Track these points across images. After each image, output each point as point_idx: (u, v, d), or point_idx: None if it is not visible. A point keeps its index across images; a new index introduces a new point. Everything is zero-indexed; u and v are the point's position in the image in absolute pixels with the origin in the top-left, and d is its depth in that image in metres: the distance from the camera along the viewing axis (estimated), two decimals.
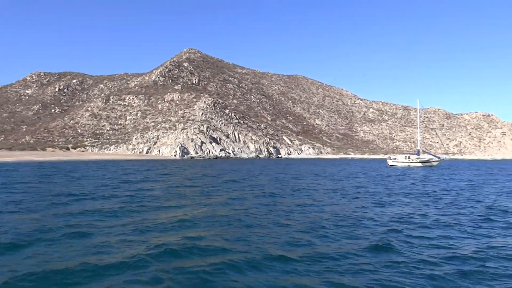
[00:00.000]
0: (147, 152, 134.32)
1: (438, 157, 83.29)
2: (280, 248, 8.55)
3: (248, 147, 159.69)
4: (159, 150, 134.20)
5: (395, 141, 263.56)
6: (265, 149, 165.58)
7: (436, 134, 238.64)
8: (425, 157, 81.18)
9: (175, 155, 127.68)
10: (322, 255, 8.10)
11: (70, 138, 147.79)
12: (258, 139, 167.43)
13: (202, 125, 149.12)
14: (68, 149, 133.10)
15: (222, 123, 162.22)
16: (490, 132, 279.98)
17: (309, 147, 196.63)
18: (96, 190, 20.70)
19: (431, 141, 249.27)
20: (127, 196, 18.20)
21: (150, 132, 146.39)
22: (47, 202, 15.63)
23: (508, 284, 6.75)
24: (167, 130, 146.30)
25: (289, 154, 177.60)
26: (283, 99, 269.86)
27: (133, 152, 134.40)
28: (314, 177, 36.32)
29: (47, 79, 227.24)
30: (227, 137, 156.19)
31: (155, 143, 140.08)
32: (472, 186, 27.60)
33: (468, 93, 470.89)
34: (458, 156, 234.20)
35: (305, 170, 52.74)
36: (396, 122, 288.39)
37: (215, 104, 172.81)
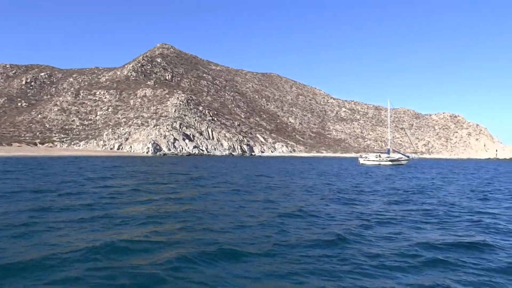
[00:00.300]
0: (118, 149, 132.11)
1: (407, 156, 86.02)
2: (239, 243, 8.74)
3: (221, 144, 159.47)
4: (130, 147, 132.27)
5: (366, 140, 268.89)
6: (239, 147, 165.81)
7: (406, 133, 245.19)
8: (395, 156, 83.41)
9: (147, 152, 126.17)
10: (280, 250, 8.33)
11: (38, 133, 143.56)
12: (231, 137, 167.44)
13: (175, 121, 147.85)
14: (35, 144, 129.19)
15: (195, 120, 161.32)
16: (457, 132, 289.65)
17: (282, 145, 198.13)
18: (62, 187, 20.40)
19: (400, 141, 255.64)
20: (93, 192, 18.05)
21: (121, 128, 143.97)
22: (10, 198, 15.33)
23: (460, 276, 7.15)
24: (139, 126, 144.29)
25: (262, 152, 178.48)
26: (257, 97, 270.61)
27: (103, 148, 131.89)
28: (284, 174, 36.80)
29: (14, 72, 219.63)
30: (201, 134, 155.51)
31: (127, 139, 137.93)
32: (434, 184, 28.71)
33: (437, 94, 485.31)
34: (427, 156, 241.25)
35: (277, 168, 53.26)
36: (367, 121, 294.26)
37: (189, 101, 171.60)
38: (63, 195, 16.78)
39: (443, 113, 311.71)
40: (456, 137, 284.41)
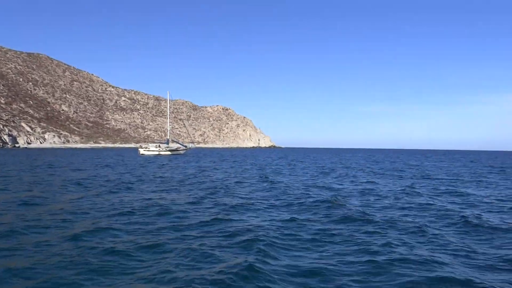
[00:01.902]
0: None
1: (185, 146, 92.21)
2: None
3: None
4: None
5: (146, 130, 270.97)
6: None
7: (184, 124, 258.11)
8: (174, 146, 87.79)
9: None
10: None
11: None
12: None
13: None
14: None
15: None
16: (228, 123, 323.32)
17: (54, 136, 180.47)
18: None
19: (179, 131, 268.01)
20: None
21: None
22: None
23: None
24: None
25: (29, 143, 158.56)
26: (21, 80, 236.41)
27: None
28: (45, 169, 34.71)
29: None
30: None
31: None
32: (201, 170, 32.65)
33: (211, 87, 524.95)
34: (202, 145, 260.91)
35: (41, 162, 49.11)
36: (147, 111, 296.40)
37: None
38: None
39: (217, 106, 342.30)
40: (227, 128, 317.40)
